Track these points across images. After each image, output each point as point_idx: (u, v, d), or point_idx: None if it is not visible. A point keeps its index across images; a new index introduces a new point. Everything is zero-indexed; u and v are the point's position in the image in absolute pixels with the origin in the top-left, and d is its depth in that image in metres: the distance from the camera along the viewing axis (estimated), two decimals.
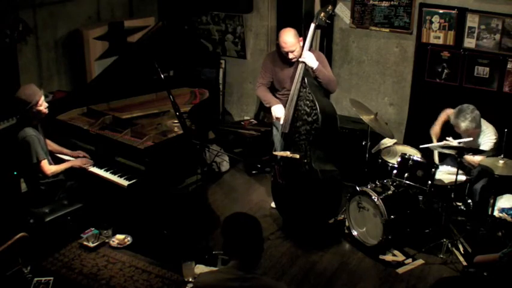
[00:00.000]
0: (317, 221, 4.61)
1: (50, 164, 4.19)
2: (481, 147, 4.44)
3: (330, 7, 4.43)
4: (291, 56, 4.42)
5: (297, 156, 4.39)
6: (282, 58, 4.53)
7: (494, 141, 4.44)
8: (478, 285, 3.38)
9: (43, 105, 4.09)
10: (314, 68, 4.37)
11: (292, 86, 4.43)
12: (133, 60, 4.71)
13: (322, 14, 4.38)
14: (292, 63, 4.47)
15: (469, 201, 4.45)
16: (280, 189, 4.69)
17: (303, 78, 4.33)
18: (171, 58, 5.81)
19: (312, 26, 4.38)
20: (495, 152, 4.40)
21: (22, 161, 4.10)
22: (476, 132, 4.45)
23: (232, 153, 5.79)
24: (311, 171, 4.34)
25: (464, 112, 4.36)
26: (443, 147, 4.37)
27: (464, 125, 4.34)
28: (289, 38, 4.37)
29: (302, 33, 4.74)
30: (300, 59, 4.35)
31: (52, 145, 4.42)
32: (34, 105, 4.01)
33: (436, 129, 4.82)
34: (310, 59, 4.34)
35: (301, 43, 4.45)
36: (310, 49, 4.42)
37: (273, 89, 4.70)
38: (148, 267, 4.12)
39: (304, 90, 4.32)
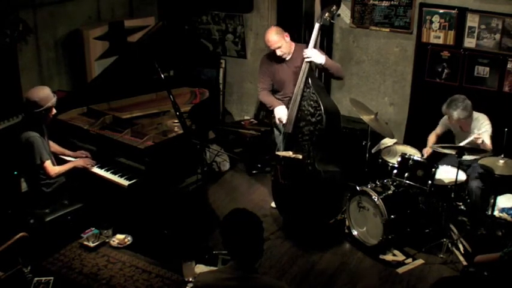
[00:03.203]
0: (318, 221, 4.61)
1: (54, 165, 4.17)
2: (484, 136, 4.40)
3: (334, 7, 4.41)
4: (279, 53, 4.43)
5: (300, 156, 4.38)
6: (276, 58, 4.53)
7: (491, 127, 4.47)
8: (478, 285, 3.37)
9: (53, 111, 4.07)
10: (323, 63, 4.36)
11: (291, 86, 4.43)
12: (133, 60, 4.70)
13: (327, 14, 4.36)
14: (288, 61, 4.48)
15: (469, 201, 4.45)
16: (282, 189, 4.69)
17: (306, 79, 4.32)
18: (171, 58, 5.80)
19: (317, 25, 4.37)
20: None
21: (24, 162, 4.08)
22: (468, 122, 4.48)
23: (232, 153, 5.79)
24: (314, 171, 4.33)
25: (456, 101, 4.39)
26: (444, 147, 4.38)
27: (456, 113, 4.36)
28: (271, 36, 4.40)
29: (302, 33, 4.74)
30: (306, 59, 4.32)
31: (54, 146, 4.40)
32: (45, 109, 3.97)
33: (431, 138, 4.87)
34: (316, 56, 4.32)
35: (288, 38, 4.46)
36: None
37: (273, 91, 4.69)
38: (148, 267, 4.12)
39: (308, 90, 4.31)
